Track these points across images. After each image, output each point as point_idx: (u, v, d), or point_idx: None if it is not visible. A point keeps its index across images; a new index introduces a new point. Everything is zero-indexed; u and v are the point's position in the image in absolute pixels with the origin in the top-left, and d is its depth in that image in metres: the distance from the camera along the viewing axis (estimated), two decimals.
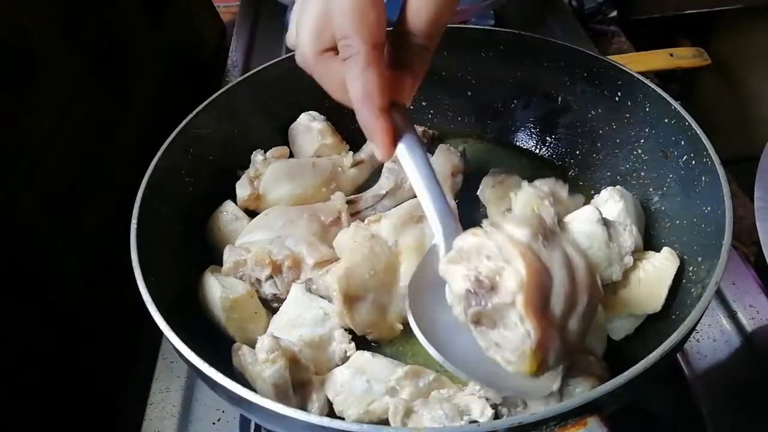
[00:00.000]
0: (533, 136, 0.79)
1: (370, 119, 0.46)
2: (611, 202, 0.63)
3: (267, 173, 0.69)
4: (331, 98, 0.50)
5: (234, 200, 0.68)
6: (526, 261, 0.41)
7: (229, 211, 0.67)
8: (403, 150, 0.49)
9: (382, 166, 0.74)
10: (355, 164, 0.73)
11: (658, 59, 0.96)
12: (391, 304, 0.57)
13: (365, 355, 0.54)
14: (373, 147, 0.48)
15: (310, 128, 0.74)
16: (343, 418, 0.52)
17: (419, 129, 0.78)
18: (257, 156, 0.71)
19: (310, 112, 0.76)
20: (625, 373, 0.41)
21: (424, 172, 0.49)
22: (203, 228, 0.67)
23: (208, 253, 0.65)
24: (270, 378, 0.50)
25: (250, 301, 0.57)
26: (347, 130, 0.78)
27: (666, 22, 1.18)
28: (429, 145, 0.78)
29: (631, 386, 0.41)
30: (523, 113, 0.79)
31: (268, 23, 1.18)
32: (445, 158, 0.72)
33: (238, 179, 0.70)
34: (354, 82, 0.45)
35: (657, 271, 0.57)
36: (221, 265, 0.62)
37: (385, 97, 0.45)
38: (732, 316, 0.67)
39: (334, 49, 0.47)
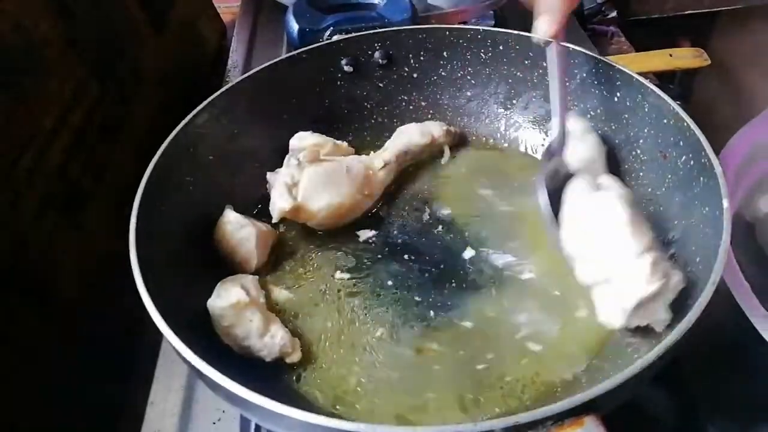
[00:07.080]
0: (532, 136, 0.79)
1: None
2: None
3: (304, 180, 0.66)
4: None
5: (233, 200, 0.68)
6: None
7: (231, 221, 0.65)
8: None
9: (405, 168, 0.75)
10: (384, 166, 0.72)
11: (658, 60, 0.96)
12: None
13: None
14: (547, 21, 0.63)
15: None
16: None
17: (444, 126, 0.78)
18: (291, 160, 0.68)
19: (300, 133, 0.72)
20: (623, 373, 0.41)
21: (561, 75, 0.64)
22: (202, 228, 0.66)
23: (208, 252, 0.65)
24: None
25: (243, 310, 0.57)
26: (347, 131, 0.78)
27: (665, 23, 1.17)
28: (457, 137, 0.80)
29: (628, 386, 0.41)
30: (523, 113, 0.79)
31: (269, 23, 1.18)
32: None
33: (268, 185, 0.69)
34: None
35: None
36: (221, 265, 0.62)
37: None
38: (731, 314, 0.67)
39: None
